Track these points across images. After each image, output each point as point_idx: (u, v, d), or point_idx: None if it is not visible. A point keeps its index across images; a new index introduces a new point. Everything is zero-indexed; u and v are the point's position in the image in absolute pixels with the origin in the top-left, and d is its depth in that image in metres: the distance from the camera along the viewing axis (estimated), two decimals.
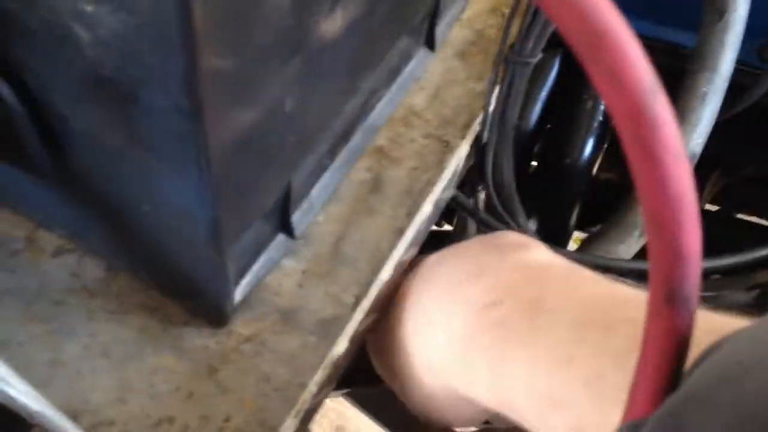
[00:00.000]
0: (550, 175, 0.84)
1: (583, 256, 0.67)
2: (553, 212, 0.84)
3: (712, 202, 1.04)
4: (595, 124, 0.83)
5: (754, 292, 0.67)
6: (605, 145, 0.84)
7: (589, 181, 0.82)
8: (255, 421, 0.45)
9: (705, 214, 0.97)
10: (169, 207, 0.40)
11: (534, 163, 0.88)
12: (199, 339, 0.47)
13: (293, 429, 0.42)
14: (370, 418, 1.60)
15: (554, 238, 0.83)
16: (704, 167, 0.97)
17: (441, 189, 0.52)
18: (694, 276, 0.25)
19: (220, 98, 0.33)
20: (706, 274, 0.71)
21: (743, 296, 0.68)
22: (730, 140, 0.92)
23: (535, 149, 0.87)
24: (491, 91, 0.58)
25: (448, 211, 1.07)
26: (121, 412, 0.44)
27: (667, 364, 0.26)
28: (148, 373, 0.46)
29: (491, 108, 0.57)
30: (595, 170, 0.84)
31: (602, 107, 0.83)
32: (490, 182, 0.60)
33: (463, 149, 0.54)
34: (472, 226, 0.95)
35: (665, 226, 0.24)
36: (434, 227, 1.20)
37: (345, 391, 1.41)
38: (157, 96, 0.33)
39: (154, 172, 0.38)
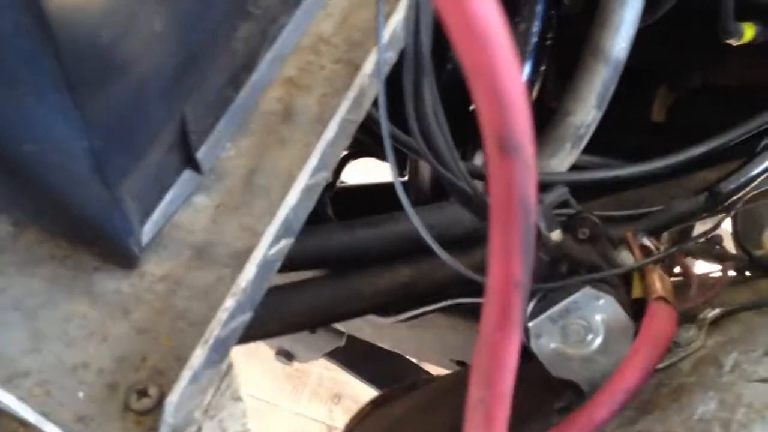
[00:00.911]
0: None
1: None
2: None
3: (670, 117, 1.03)
4: (530, 48, 0.81)
5: (703, 195, 0.66)
6: (543, 69, 0.82)
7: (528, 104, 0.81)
8: (172, 357, 0.44)
9: (654, 126, 0.96)
10: (47, 143, 0.38)
11: None
12: (112, 283, 0.46)
13: (203, 358, 0.41)
14: (359, 378, 1.60)
15: None
16: (649, 80, 0.96)
17: (346, 110, 0.51)
18: (521, 122, 0.24)
19: (66, 14, 0.32)
20: (640, 181, 0.70)
21: (692, 202, 0.67)
22: (670, 50, 0.91)
23: None
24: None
25: (402, 158, 1.06)
26: (35, 361, 0.44)
27: (514, 207, 0.25)
28: (61, 321, 0.45)
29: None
30: (535, 94, 0.82)
31: (536, 30, 0.82)
32: (412, 115, 0.58)
33: (368, 67, 0.53)
34: (425, 169, 0.95)
35: (481, 73, 0.24)
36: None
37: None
38: (1, 16, 0.32)
39: (22, 105, 0.36)
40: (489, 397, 0.30)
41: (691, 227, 0.91)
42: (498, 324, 0.28)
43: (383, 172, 1.25)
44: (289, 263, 0.72)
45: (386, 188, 1.09)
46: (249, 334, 0.73)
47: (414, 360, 1.47)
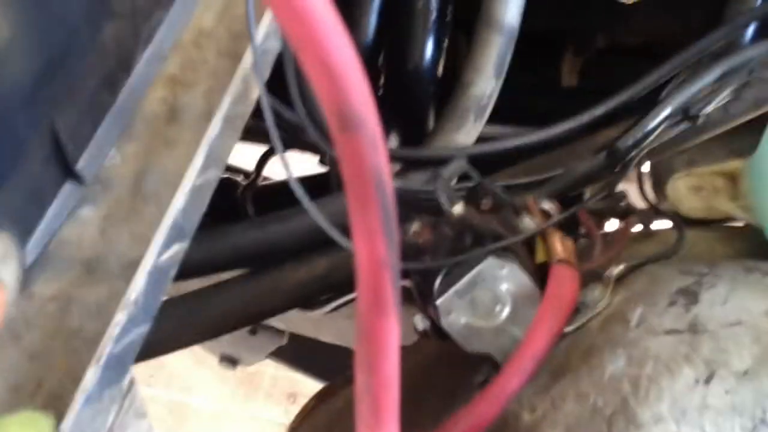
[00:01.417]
0: (398, 84, 0.82)
1: (423, 152, 0.65)
2: (408, 120, 0.81)
3: (583, 83, 1.03)
4: (431, 23, 0.80)
5: (602, 155, 0.66)
6: (446, 42, 0.81)
7: (436, 81, 0.80)
8: (68, 380, 0.42)
9: (565, 91, 0.96)
10: None
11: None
12: None
13: (98, 378, 0.39)
14: (309, 375, 1.59)
15: (414, 143, 0.80)
16: (554, 45, 0.96)
17: (231, 103, 0.49)
18: (358, 96, 0.23)
19: None
20: (545, 146, 0.70)
21: (592, 162, 0.67)
22: (570, 12, 0.91)
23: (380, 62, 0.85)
24: None
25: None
26: None
27: (367, 186, 0.24)
28: None
29: None
30: (440, 69, 0.81)
31: (435, 4, 0.81)
32: (297, 99, 0.56)
33: (248, 58, 0.52)
34: None
35: (307, 48, 0.22)
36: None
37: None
38: None
39: None
40: (373, 384, 0.29)
41: (613, 185, 0.92)
42: (371, 307, 0.27)
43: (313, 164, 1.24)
44: (202, 267, 0.70)
45: (311, 180, 1.07)
46: (170, 344, 0.72)
47: None
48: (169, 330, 0.67)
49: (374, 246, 0.25)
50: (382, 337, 0.27)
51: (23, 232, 0.44)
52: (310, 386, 2.04)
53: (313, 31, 0.21)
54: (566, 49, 0.94)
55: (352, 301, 0.78)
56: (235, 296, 0.70)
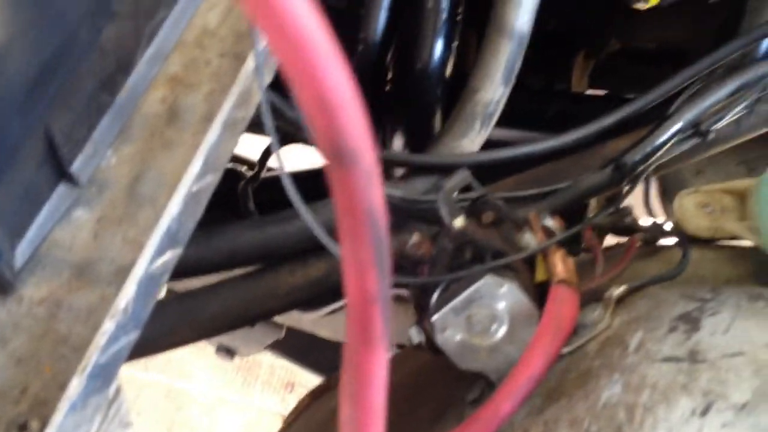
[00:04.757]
0: (406, 84, 0.80)
1: (427, 158, 0.64)
2: (415, 121, 0.80)
3: (593, 86, 1.02)
4: (441, 24, 0.79)
5: (609, 169, 0.65)
6: (455, 44, 0.80)
7: (444, 82, 0.79)
8: (55, 386, 0.41)
9: (564, 95, 0.95)
10: None
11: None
12: None
13: (82, 387, 0.39)
14: (305, 367, 1.58)
15: (420, 145, 0.79)
16: (565, 49, 0.95)
17: (230, 108, 0.48)
18: (354, 127, 0.22)
19: None
20: (553, 155, 0.68)
21: (599, 176, 0.66)
22: (585, 14, 0.89)
23: (389, 60, 0.84)
24: None
25: None
26: None
27: (360, 221, 0.23)
28: None
29: None
30: (448, 70, 0.80)
31: (445, 4, 0.79)
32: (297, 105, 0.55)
33: (251, 60, 0.50)
34: None
35: (303, 80, 0.21)
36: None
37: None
38: None
39: None
40: (358, 415, 0.28)
41: (619, 200, 0.91)
42: (359, 341, 0.26)
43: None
44: (199, 267, 0.69)
45: (314, 174, 1.06)
46: (164, 343, 0.71)
47: None
48: (165, 329, 0.66)
49: (365, 281, 0.24)
50: (369, 370, 0.26)
51: (14, 234, 0.43)
52: (307, 376, 2.04)
53: (308, 60, 0.20)
54: (578, 51, 0.93)
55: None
56: (232, 298, 0.69)
